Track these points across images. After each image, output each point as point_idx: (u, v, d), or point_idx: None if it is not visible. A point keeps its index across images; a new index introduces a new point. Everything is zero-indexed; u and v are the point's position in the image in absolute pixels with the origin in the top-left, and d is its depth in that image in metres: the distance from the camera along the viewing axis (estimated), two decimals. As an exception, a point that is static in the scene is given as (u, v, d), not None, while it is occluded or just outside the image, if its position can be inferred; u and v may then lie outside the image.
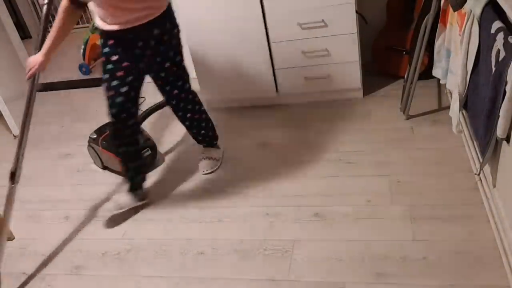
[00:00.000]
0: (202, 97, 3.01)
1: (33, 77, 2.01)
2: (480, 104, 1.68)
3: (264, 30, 2.67)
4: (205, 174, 2.47)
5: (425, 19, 2.22)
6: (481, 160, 1.73)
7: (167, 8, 2.04)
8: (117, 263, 2.04)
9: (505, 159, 1.55)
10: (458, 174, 2.09)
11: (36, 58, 1.98)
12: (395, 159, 2.27)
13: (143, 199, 2.36)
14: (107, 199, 2.45)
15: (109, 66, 2.00)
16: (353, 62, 2.68)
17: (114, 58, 1.99)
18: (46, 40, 1.96)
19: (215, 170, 2.48)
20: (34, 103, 2.05)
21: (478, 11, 1.66)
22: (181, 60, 2.23)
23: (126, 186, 2.32)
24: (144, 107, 3.14)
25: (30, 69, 1.99)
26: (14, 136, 3.21)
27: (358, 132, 2.53)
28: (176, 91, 2.27)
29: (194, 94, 2.37)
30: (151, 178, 2.52)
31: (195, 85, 3.32)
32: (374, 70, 2.98)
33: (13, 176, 1.99)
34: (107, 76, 2.01)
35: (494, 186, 1.72)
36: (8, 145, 3.17)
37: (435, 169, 2.15)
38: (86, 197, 2.50)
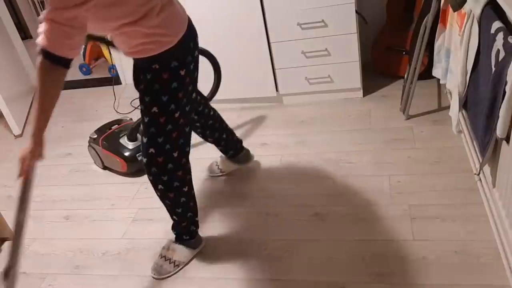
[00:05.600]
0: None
1: (28, 176, 1.47)
2: (480, 104, 1.68)
3: (264, 30, 2.67)
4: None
5: (425, 19, 2.23)
6: (480, 160, 1.73)
7: None
8: (117, 262, 2.04)
9: (505, 159, 1.55)
10: (458, 174, 2.10)
11: (25, 149, 1.48)
12: (395, 159, 2.27)
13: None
14: (107, 198, 2.46)
15: None
16: (353, 62, 2.68)
17: None
18: (30, 116, 1.57)
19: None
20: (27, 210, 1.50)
21: (477, 11, 1.66)
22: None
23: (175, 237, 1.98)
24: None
25: (23, 164, 1.47)
26: (14, 136, 3.21)
27: (358, 132, 2.53)
28: None
29: None
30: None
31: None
32: (374, 70, 2.98)
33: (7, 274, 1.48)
34: None
35: (494, 186, 1.72)
36: (9, 145, 3.17)
37: (435, 169, 2.16)
38: (86, 197, 2.50)
